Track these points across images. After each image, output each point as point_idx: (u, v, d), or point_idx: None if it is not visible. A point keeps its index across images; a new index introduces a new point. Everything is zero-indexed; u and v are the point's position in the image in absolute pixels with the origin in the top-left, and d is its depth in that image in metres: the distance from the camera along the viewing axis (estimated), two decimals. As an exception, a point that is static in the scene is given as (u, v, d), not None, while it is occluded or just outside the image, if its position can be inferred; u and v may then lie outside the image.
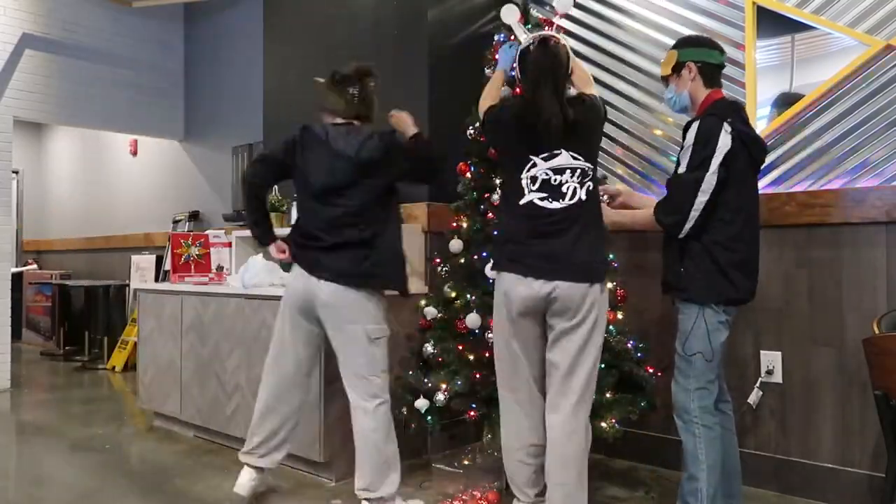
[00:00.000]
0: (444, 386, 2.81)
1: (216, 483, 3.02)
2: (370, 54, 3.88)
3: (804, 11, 2.90)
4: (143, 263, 6.64)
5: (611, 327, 2.80)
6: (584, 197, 2.27)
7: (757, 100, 3.01)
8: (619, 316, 2.88)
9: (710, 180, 2.20)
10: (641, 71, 3.39)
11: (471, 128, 2.98)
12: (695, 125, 2.27)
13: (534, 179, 2.28)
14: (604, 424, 2.59)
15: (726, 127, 2.21)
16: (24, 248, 8.90)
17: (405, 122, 2.81)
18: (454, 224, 3.01)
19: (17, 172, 8.58)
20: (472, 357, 2.84)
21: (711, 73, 2.36)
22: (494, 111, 2.42)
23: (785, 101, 2.98)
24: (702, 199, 2.21)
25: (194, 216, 6.13)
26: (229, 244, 4.06)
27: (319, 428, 3.00)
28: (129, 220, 7.25)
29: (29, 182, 8.97)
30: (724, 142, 2.20)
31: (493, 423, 2.71)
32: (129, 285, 6.74)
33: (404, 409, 2.96)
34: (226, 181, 5.83)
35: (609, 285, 2.85)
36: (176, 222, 6.25)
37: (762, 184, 2.73)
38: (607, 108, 3.44)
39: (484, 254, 2.86)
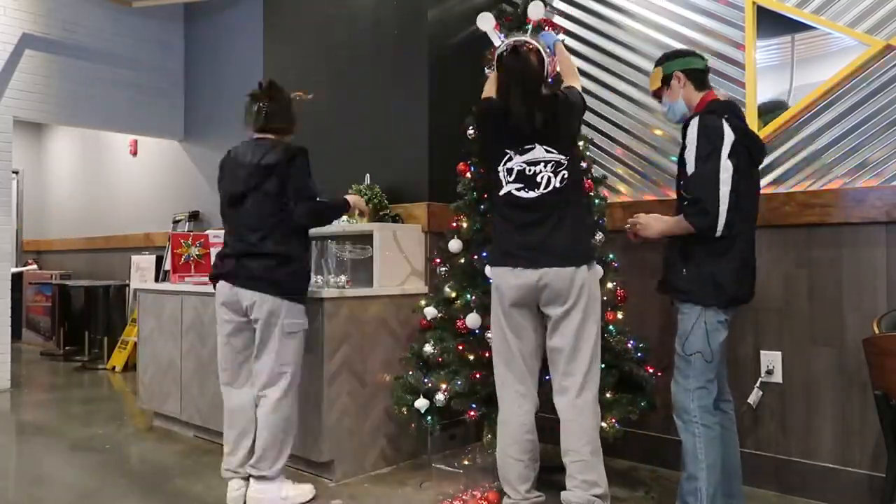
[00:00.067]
0: (444, 386, 2.81)
1: (216, 483, 3.02)
2: (370, 54, 3.89)
3: (804, 11, 2.90)
4: (143, 263, 6.64)
5: (611, 327, 2.80)
6: (558, 185, 2.40)
7: (757, 100, 3.01)
8: (619, 316, 2.88)
9: (726, 169, 2.18)
10: (641, 71, 3.39)
11: (471, 128, 2.99)
12: (694, 121, 2.27)
13: (510, 171, 2.43)
14: (604, 424, 2.60)
15: (725, 122, 2.22)
16: (24, 248, 8.89)
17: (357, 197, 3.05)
18: (454, 224, 3.01)
19: (17, 172, 8.59)
20: (471, 357, 2.84)
21: (699, 77, 2.43)
22: (480, 108, 2.57)
23: (767, 109, 2.99)
24: (725, 190, 2.18)
25: (194, 216, 6.13)
26: (229, 244, 4.05)
27: (319, 428, 3.00)
28: (129, 220, 7.25)
29: (29, 182, 8.96)
30: (728, 133, 2.21)
31: (492, 423, 2.71)
32: (129, 285, 6.74)
33: (404, 409, 2.97)
34: (226, 181, 5.82)
35: (609, 284, 2.87)
36: (176, 222, 6.25)
37: (762, 184, 2.72)
38: (609, 107, 3.50)
39: (484, 254, 2.86)
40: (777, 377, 2.93)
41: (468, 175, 3.01)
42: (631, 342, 2.86)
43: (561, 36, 2.95)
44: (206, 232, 4.37)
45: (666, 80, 2.46)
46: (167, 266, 4.88)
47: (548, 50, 2.56)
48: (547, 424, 2.63)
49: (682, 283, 2.32)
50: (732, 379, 2.85)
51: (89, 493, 2.96)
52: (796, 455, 2.87)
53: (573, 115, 2.49)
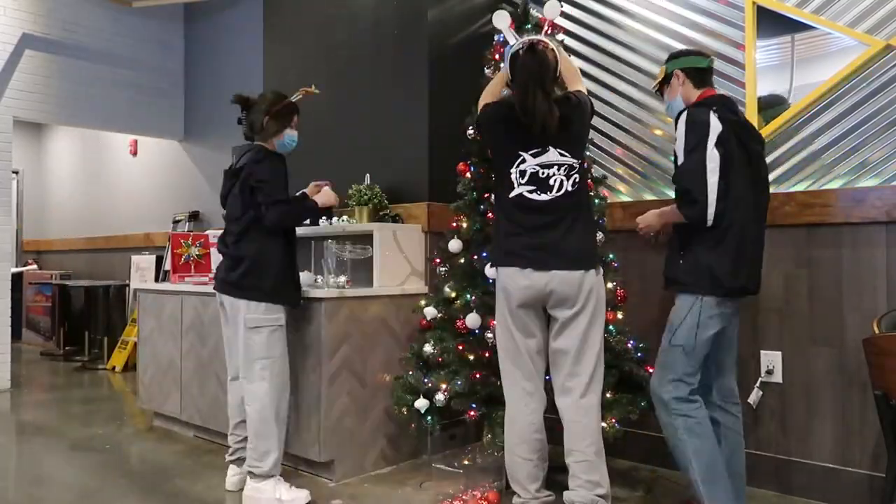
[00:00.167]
0: (444, 386, 2.81)
1: (216, 483, 3.02)
2: (370, 54, 3.89)
3: (804, 11, 2.90)
4: (143, 263, 6.64)
5: (611, 327, 2.80)
6: (570, 188, 2.38)
7: (757, 100, 3.01)
8: (619, 316, 2.88)
9: (713, 158, 2.21)
10: (641, 71, 3.40)
11: (471, 128, 2.99)
12: (683, 115, 2.32)
13: (522, 174, 2.38)
14: (604, 424, 2.60)
15: (713, 113, 2.25)
16: (24, 248, 8.89)
17: (327, 195, 3.00)
18: (454, 224, 3.01)
19: (17, 172, 8.59)
20: (471, 357, 2.84)
21: (700, 76, 2.46)
22: (488, 109, 2.51)
23: (767, 103, 2.99)
24: (713, 179, 2.21)
25: (194, 216, 6.13)
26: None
27: (319, 428, 3.00)
28: (129, 220, 7.25)
29: (29, 182, 8.96)
30: (715, 124, 2.24)
31: (493, 423, 2.71)
32: (129, 285, 6.75)
33: (404, 409, 2.97)
34: (226, 181, 5.82)
35: (609, 284, 2.87)
36: (176, 222, 6.25)
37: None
38: (609, 107, 3.50)
39: (484, 254, 2.86)
40: (777, 377, 2.93)
41: (468, 175, 3.00)
42: (631, 342, 2.86)
43: (561, 36, 2.95)
44: (206, 232, 4.38)
45: (667, 78, 2.51)
46: (167, 266, 4.88)
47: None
48: (547, 424, 2.63)
49: (679, 273, 2.36)
50: (732, 379, 2.85)
51: (89, 493, 2.96)
52: (796, 455, 2.87)
53: (586, 118, 2.47)
